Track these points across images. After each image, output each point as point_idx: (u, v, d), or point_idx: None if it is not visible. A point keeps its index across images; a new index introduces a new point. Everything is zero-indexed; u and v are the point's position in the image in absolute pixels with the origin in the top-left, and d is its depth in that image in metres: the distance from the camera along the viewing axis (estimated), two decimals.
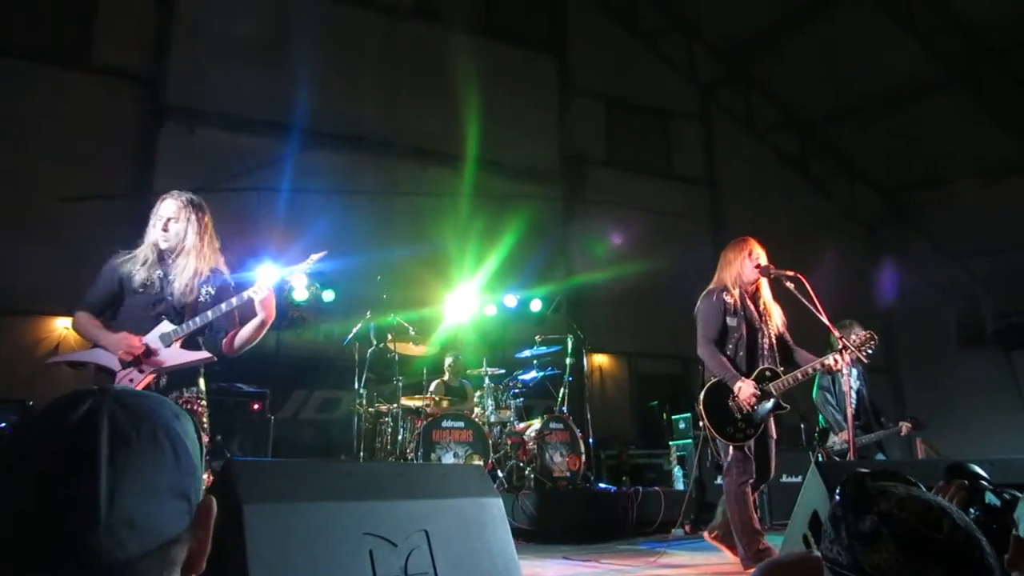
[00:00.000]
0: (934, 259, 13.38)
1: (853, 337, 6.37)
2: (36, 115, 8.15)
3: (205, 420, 3.42)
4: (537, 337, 7.99)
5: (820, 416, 6.52)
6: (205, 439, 3.40)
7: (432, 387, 7.57)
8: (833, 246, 12.22)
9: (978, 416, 11.05)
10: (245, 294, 3.40)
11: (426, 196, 9.81)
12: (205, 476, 3.18)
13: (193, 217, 3.50)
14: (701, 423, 4.20)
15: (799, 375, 4.19)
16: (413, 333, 7.41)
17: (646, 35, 12.53)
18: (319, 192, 9.04)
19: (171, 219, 3.47)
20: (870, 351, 4.23)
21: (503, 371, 7.71)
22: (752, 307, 4.37)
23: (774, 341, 4.38)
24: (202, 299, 3.47)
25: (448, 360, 7.95)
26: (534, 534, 6.19)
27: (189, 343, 3.41)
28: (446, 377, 7.86)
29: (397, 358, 7.27)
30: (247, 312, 3.43)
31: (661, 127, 12.74)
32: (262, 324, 3.42)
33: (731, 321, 4.29)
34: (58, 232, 7.85)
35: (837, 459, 6.27)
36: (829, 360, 4.19)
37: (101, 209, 8.23)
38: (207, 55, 9.00)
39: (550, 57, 11.81)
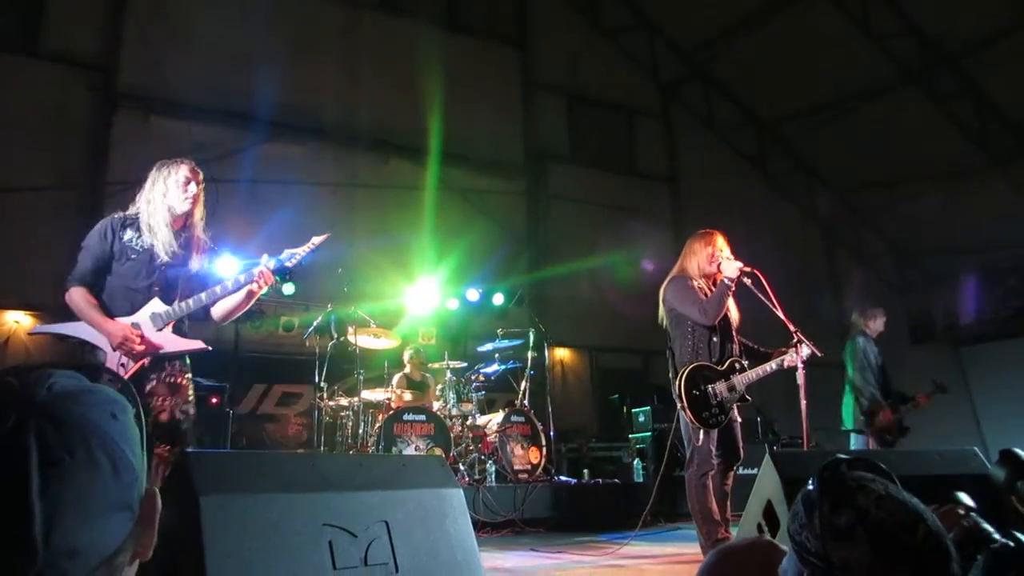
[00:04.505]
0: (888, 258, 13.73)
1: (879, 320, 6.53)
2: None
3: (191, 393, 3.32)
4: (499, 331, 8.01)
5: (849, 400, 6.53)
6: (191, 411, 3.28)
7: (394, 380, 7.54)
8: (790, 244, 12.47)
9: (928, 409, 11.34)
10: (243, 278, 3.32)
11: (388, 189, 9.75)
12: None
13: (202, 186, 3.43)
14: (679, 406, 4.15)
15: (760, 371, 4.25)
16: (374, 326, 7.37)
17: (609, 32, 12.60)
18: (279, 183, 8.93)
19: (191, 181, 3.37)
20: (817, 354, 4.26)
21: (465, 364, 7.72)
22: None
23: (735, 332, 4.44)
24: (193, 273, 3.38)
25: (407, 353, 7.93)
26: (495, 526, 6.21)
27: (176, 325, 3.32)
28: (408, 370, 7.83)
29: (358, 351, 7.22)
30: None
31: (623, 124, 12.83)
32: (250, 295, 3.36)
33: None
34: (6, 223, 7.63)
35: (889, 437, 6.36)
36: (787, 360, 4.24)
37: (52, 199, 8.02)
38: (162, 42, 8.80)
39: (513, 52, 11.80)
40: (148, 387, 3.19)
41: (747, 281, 4.39)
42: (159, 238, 3.28)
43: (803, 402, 4.25)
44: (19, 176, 7.86)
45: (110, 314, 3.23)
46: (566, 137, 12.09)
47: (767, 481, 2.95)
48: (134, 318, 3.22)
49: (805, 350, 4.20)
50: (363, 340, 7.31)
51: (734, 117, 13.43)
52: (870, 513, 1.01)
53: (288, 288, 8.28)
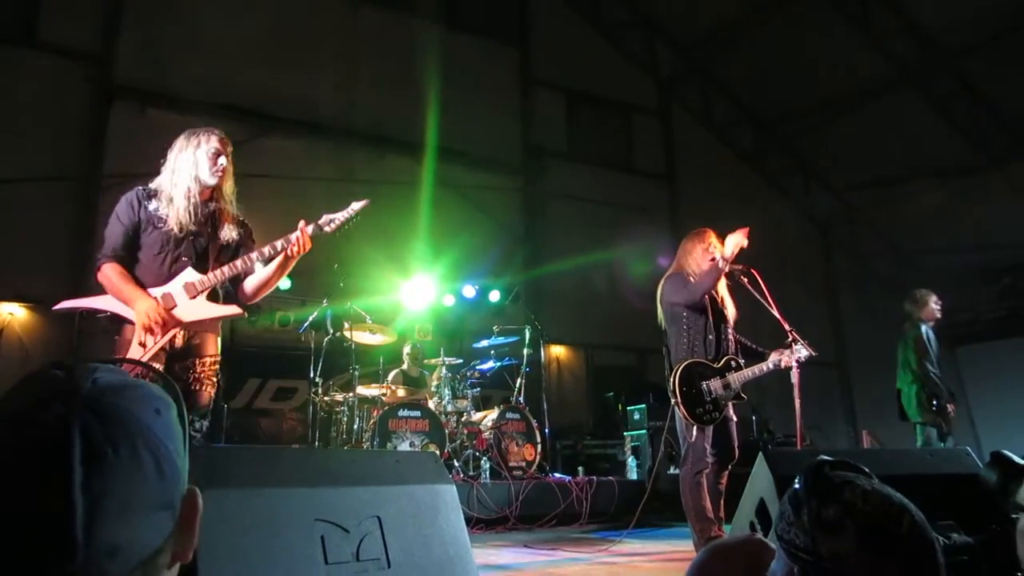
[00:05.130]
0: (884, 257, 13.75)
1: (934, 305, 6.45)
2: None
3: (215, 388, 3.24)
4: (495, 327, 8.02)
5: (912, 390, 6.37)
6: (205, 427, 3.19)
7: (390, 376, 7.54)
8: (787, 242, 12.47)
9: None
10: (279, 244, 3.21)
11: (385, 184, 9.73)
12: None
13: (231, 159, 3.31)
14: (673, 401, 4.17)
15: (756, 370, 4.27)
16: (370, 322, 7.37)
17: (608, 29, 12.58)
18: (275, 178, 8.90)
19: (220, 153, 3.26)
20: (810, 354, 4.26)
21: (460, 361, 7.71)
22: (714, 294, 4.41)
23: (732, 330, 4.46)
24: (224, 243, 3.29)
25: (406, 349, 7.93)
26: (489, 523, 6.22)
27: (211, 294, 3.21)
28: (404, 366, 7.83)
29: (354, 347, 7.22)
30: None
31: (621, 121, 12.82)
32: (284, 264, 3.25)
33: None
34: (1, 215, 7.61)
35: (945, 428, 6.22)
36: (783, 360, 4.26)
37: (47, 191, 7.99)
38: (160, 34, 8.78)
39: (512, 48, 11.79)
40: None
41: (743, 280, 4.43)
42: (178, 210, 3.16)
43: (797, 401, 4.26)
44: (14, 167, 7.83)
45: (144, 287, 3.13)
46: (564, 134, 12.08)
47: (760, 479, 2.95)
48: (167, 288, 3.12)
49: (802, 351, 4.22)
50: (359, 336, 7.30)
51: (732, 115, 13.43)
52: (857, 506, 1.03)
53: (284, 283, 8.25)
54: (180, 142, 3.29)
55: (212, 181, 3.24)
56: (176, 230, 3.16)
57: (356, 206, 3.30)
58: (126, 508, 0.64)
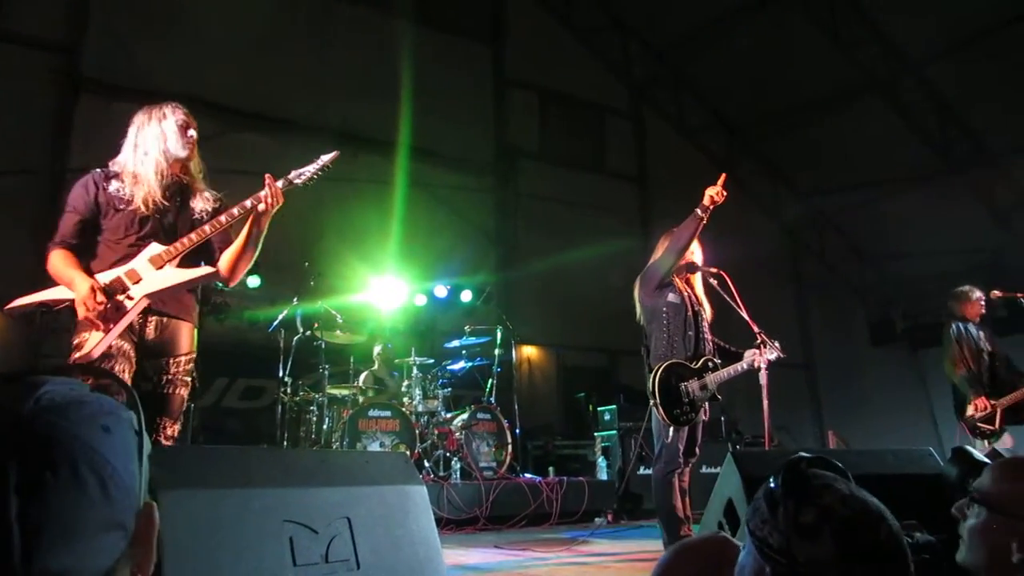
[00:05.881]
0: (850, 261, 13.98)
1: (976, 301, 6.21)
2: None
3: (189, 389, 3.10)
4: (467, 327, 8.00)
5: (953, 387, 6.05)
6: (175, 432, 3.04)
7: (361, 377, 7.48)
8: (756, 247, 12.62)
9: (887, 410, 11.61)
10: (248, 202, 3.01)
11: (356, 183, 9.66)
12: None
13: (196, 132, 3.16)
14: (652, 402, 4.18)
15: (731, 371, 4.31)
16: (340, 321, 7.31)
17: (581, 31, 12.63)
18: (244, 174, 8.77)
19: (189, 125, 3.13)
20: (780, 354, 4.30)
21: (432, 361, 7.69)
22: (691, 294, 4.46)
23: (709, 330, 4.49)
24: (196, 216, 3.12)
25: (377, 349, 7.88)
26: (459, 523, 6.21)
27: (181, 264, 3.00)
28: (375, 366, 7.77)
29: (324, 346, 7.16)
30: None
31: (594, 123, 12.87)
32: (257, 226, 3.02)
33: (673, 298, 4.35)
34: None
35: (987, 428, 5.75)
36: (756, 360, 4.30)
37: (10, 184, 7.82)
38: (127, 26, 8.61)
39: (485, 48, 11.78)
40: (147, 389, 2.94)
41: (713, 282, 4.49)
42: (145, 188, 3.00)
43: (765, 402, 4.31)
44: None
45: (91, 273, 2.94)
46: (536, 135, 12.09)
47: (729, 480, 2.99)
48: (131, 264, 2.94)
49: (771, 352, 4.27)
50: (329, 335, 7.24)
51: (704, 119, 13.55)
52: (835, 511, 1.02)
53: (253, 280, 8.16)
54: (141, 117, 3.14)
55: (183, 153, 3.11)
56: (143, 208, 2.99)
57: (325, 158, 3.21)
58: (68, 534, 0.62)
